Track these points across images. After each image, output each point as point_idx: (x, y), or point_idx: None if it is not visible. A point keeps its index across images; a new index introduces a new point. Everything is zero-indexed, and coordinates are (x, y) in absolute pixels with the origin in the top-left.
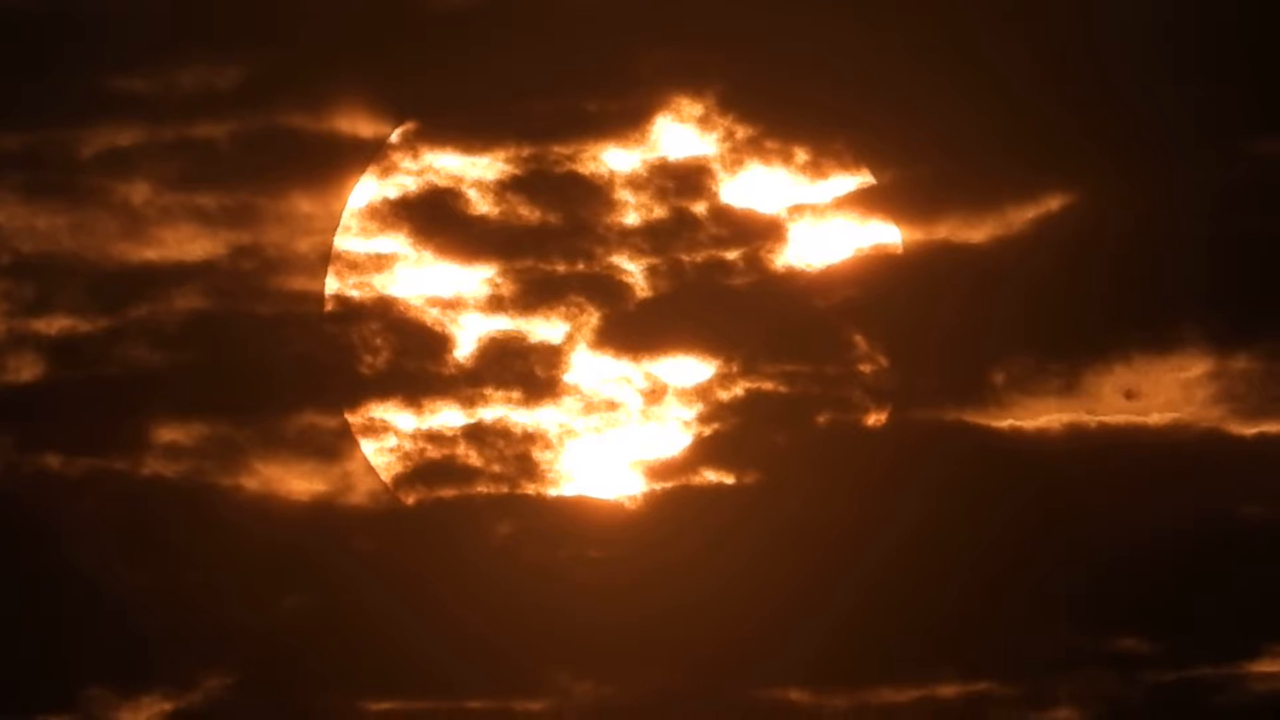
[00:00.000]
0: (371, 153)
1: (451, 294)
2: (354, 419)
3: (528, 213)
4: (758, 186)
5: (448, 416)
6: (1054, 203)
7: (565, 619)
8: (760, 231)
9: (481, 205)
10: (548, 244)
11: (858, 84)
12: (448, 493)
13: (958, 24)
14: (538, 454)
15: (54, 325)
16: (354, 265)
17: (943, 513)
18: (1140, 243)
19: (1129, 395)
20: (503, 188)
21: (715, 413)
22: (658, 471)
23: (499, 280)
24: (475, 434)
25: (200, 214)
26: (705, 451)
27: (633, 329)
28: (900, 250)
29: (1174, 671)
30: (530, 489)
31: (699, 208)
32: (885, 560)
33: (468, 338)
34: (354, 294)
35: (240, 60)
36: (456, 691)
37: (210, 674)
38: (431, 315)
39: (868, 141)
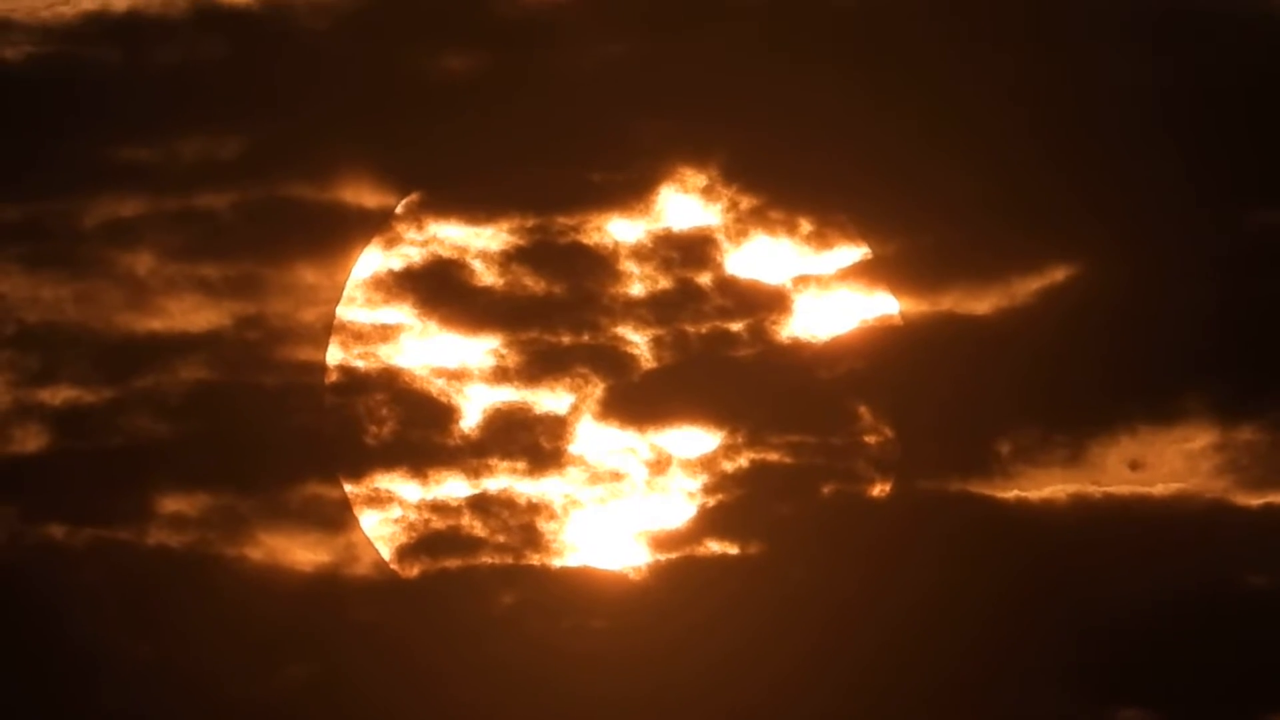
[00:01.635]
0: (376, 223)
1: (456, 365)
2: (358, 490)
3: (532, 283)
4: (762, 257)
5: (452, 487)
6: (1058, 274)
7: (568, 690)
8: (765, 302)
9: (486, 276)
10: (552, 315)
11: (862, 156)
12: (452, 563)
13: (960, 98)
14: (542, 524)
15: (58, 395)
16: (359, 336)
17: (947, 583)
18: (1144, 313)
19: (1134, 466)
20: (507, 258)
21: (720, 483)
22: (662, 542)
23: (504, 351)
24: (480, 504)
25: (204, 284)
26: (710, 522)
27: (638, 400)
28: (904, 321)
29: None
30: (535, 559)
31: (704, 278)
32: (890, 630)
33: (473, 408)
34: (359, 364)
35: (242, 130)
36: None
37: None
38: (436, 386)
39: (872, 213)
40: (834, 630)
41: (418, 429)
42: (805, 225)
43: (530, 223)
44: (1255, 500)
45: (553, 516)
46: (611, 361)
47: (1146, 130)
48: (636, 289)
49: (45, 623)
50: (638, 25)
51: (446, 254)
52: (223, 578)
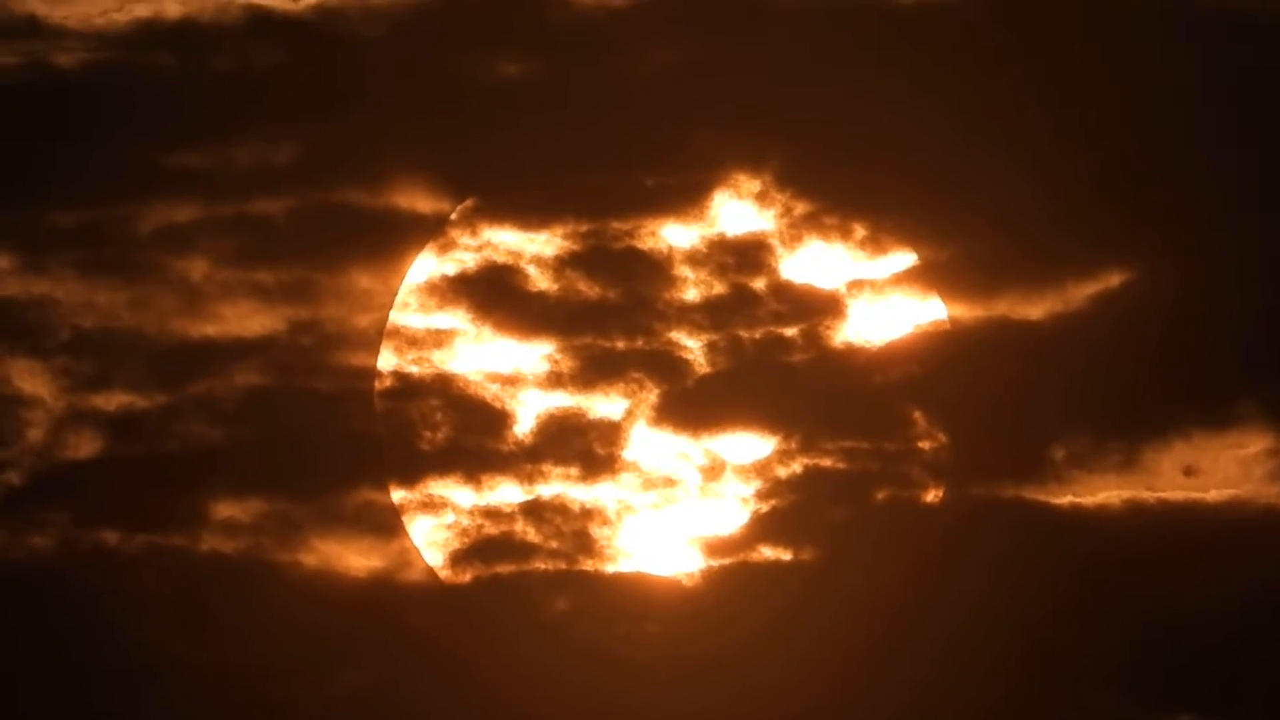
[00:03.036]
0: (430, 229)
1: (510, 370)
2: (412, 495)
3: (587, 288)
4: (816, 262)
5: (506, 493)
6: (1112, 279)
7: (622, 694)
8: (819, 307)
9: (540, 281)
10: (607, 320)
11: (915, 162)
12: (505, 569)
13: (1013, 104)
14: (596, 530)
15: (112, 401)
16: (413, 341)
17: (1001, 588)
18: (1199, 319)
19: (1188, 472)
20: (561, 264)
21: (774, 489)
22: (716, 548)
23: (558, 356)
24: (533, 510)
25: (258, 289)
26: (763, 528)
27: (692, 405)
28: (958, 327)
29: None
30: (588, 565)
31: (758, 283)
32: (944, 636)
33: (526, 414)
34: (413, 370)
35: (297, 136)
36: None
37: None
38: (490, 391)
39: (925, 219)
40: (888, 636)
41: (471, 434)
42: (859, 230)
43: (584, 228)
44: None
45: (606, 522)
46: (666, 366)
47: (1200, 134)
48: (691, 294)
49: (98, 629)
50: (692, 31)
51: (501, 259)
52: (275, 584)
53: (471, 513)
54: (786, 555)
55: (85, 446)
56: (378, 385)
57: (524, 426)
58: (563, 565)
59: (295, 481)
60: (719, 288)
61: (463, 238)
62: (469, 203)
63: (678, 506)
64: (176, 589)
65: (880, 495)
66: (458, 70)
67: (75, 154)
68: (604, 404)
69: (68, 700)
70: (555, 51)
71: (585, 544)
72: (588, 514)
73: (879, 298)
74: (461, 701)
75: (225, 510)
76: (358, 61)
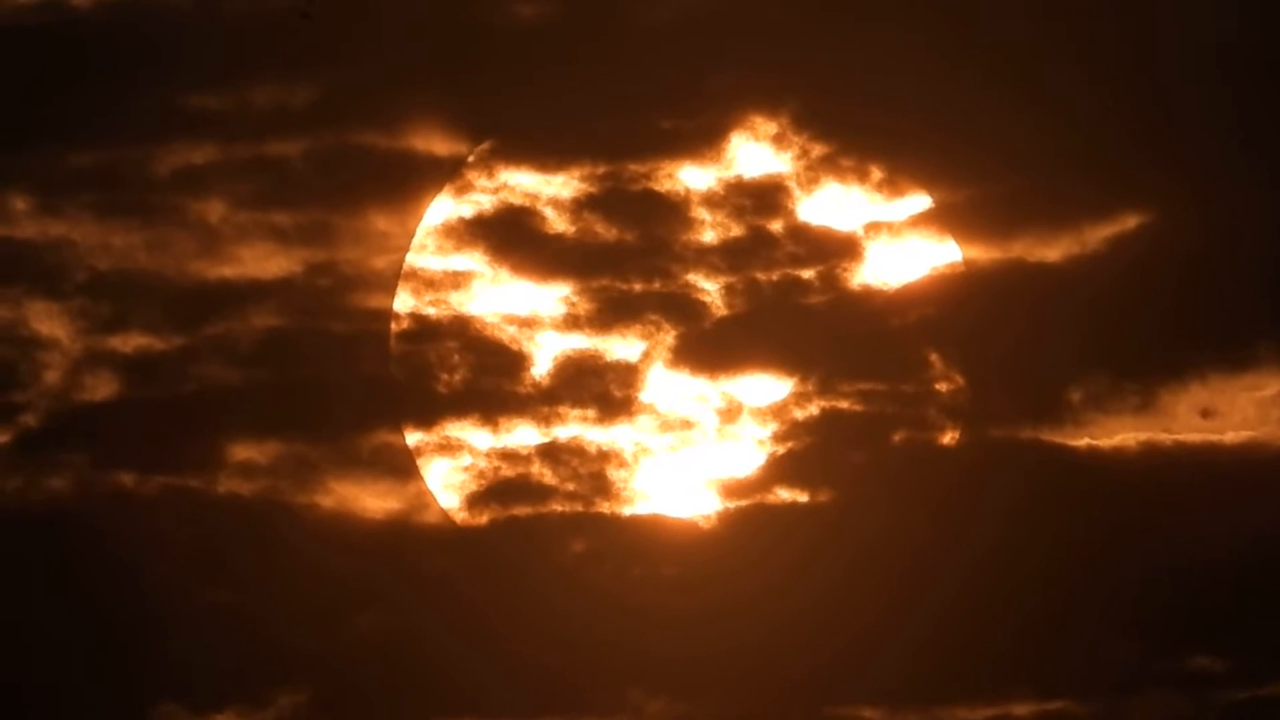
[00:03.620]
0: (447, 171)
1: (527, 312)
2: (429, 438)
3: (604, 231)
4: (833, 204)
5: (523, 435)
6: (1129, 221)
7: (638, 637)
8: (836, 249)
9: (558, 224)
10: (624, 262)
11: (932, 105)
12: (522, 511)
13: (1030, 47)
14: (612, 472)
15: (130, 343)
16: (430, 283)
17: (1018, 530)
18: (1216, 261)
19: (1205, 414)
20: (579, 206)
21: (790, 431)
22: (733, 490)
23: (575, 299)
24: (550, 452)
25: (275, 232)
26: (780, 470)
27: (709, 347)
28: (975, 269)
29: (1247, 690)
30: (605, 507)
31: (775, 225)
32: (960, 579)
33: (543, 356)
34: (430, 312)
35: (314, 79)
36: (528, 710)
37: (282, 693)
38: (507, 333)
39: (943, 160)
40: (905, 577)
41: (488, 376)
42: (876, 173)
43: (602, 170)
44: None
45: (623, 464)
46: (683, 309)
47: (1218, 79)
48: (708, 236)
49: (115, 571)
50: None
51: (518, 201)
52: (292, 526)
53: (488, 455)
54: (803, 497)
55: (102, 389)
56: (394, 327)
57: (541, 369)
58: (579, 508)
59: (312, 424)
60: (736, 230)
61: (480, 180)
62: (486, 145)
63: (695, 449)
64: (194, 531)
65: (897, 437)
66: (475, 13)
67: (92, 96)
68: (621, 346)
69: (84, 641)
70: None
71: (602, 486)
72: (605, 456)
73: (896, 240)
74: (477, 644)
75: (242, 452)
76: (375, 4)
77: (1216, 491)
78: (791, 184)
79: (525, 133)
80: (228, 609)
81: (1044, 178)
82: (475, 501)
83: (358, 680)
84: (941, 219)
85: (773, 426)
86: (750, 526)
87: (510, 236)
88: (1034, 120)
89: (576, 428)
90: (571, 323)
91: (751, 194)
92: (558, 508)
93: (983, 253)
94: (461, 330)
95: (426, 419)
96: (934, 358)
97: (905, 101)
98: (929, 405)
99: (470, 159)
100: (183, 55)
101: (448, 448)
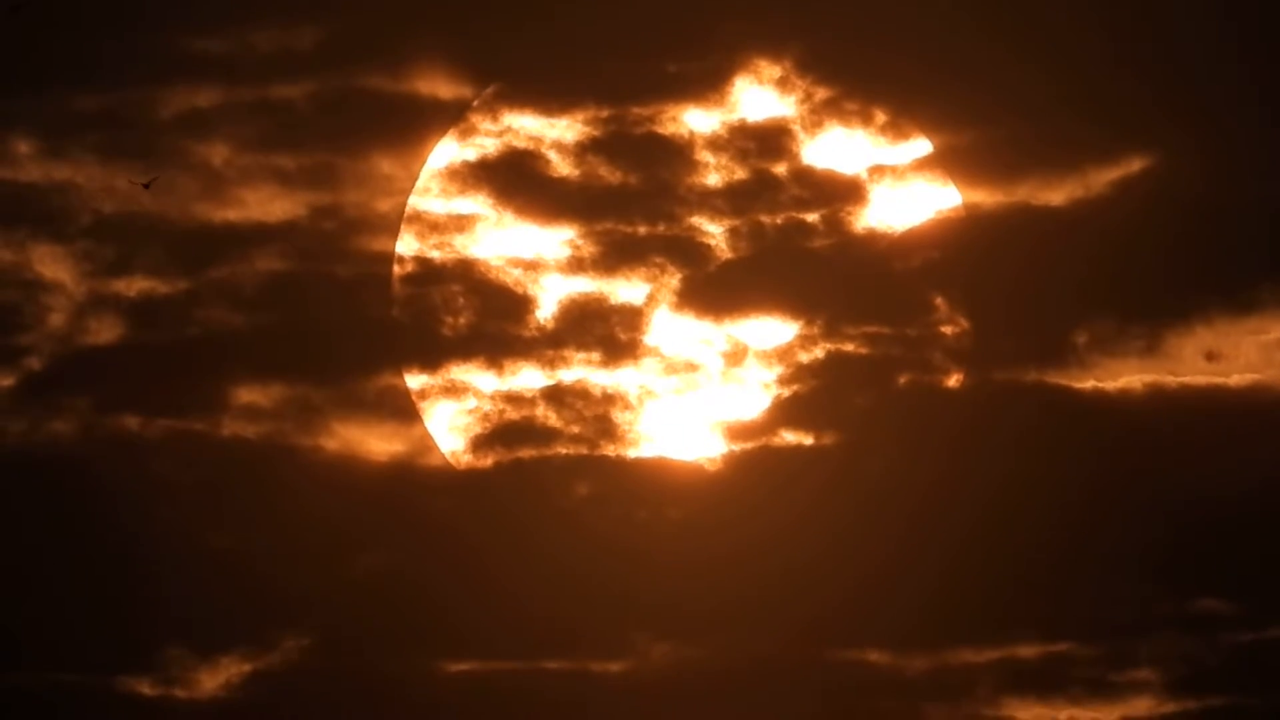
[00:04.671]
0: (451, 114)
1: (532, 255)
2: (433, 380)
3: (608, 174)
4: (837, 148)
5: (527, 378)
6: (1134, 165)
7: (643, 581)
8: (840, 193)
9: (562, 167)
10: (628, 205)
11: (936, 50)
12: (526, 454)
13: None
14: (617, 415)
15: (133, 286)
16: (434, 226)
17: (1024, 472)
18: (1221, 205)
19: (1210, 356)
20: (582, 149)
21: (796, 374)
22: (738, 433)
23: (579, 242)
24: (555, 395)
25: (279, 174)
26: (785, 413)
27: (714, 290)
28: (979, 213)
29: (1252, 632)
30: (609, 451)
31: (779, 169)
32: (965, 522)
33: (548, 299)
34: (434, 255)
35: (318, 21)
36: (533, 653)
37: (288, 635)
38: (512, 276)
39: (947, 107)
40: (911, 520)
41: (493, 319)
42: (880, 116)
43: (606, 113)
44: None
45: (628, 407)
46: (687, 252)
47: (1222, 22)
48: (712, 179)
49: (120, 513)
50: None
51: (522, 145)
52: (296, 469)
53: (493, 398)
54: (809, 440)
55: (106, 332)
56: (399, 270)
57: (545, 312)
58: (584, 450)
59: (316, 367)
60: (740, 173)
61: (484, 123)
62: (491, 89)
63: (700, 392)
64: (198, 474)
65: (902, 380)
66: None
67: (95, 40)
68: (626, 289)
69: (90, 585)
70: None
71: (607, 429)
72: (609, 399)
73: (900, 183)
74: (481, 587)
75: (246, 395)
76: None
77: (1222, 434)
78: (795, 127)
79: (529, 76)
80: (232, 552)
81: (1048, 122)
82: (480, 444)
83: (362, 623)
84: (946, 163)
85: (778, 369)
86: (756, 469)
87: (514, 180)
88: (1038, 64)
89: (581, 370)
90: (576, 266)
91: (756, 137)
92: (562, 450)
93: (987, 196)
94: (465, 273)
95: (431, 362)
96: (939, 301)
97: (909, 45)
98: (934, 348)
99: (475, 103)
100: None
101: (452, 390)
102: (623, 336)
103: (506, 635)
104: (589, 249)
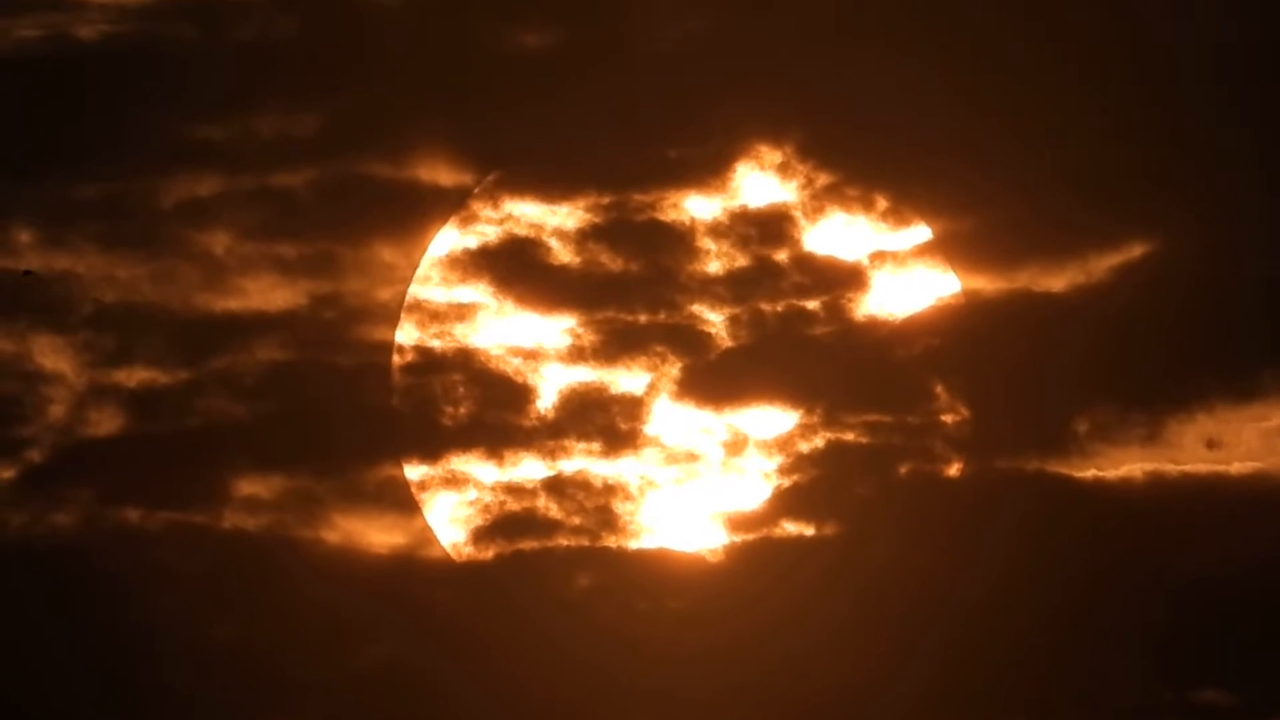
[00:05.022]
0: (452, 201)
1: (532, 344)
2: (434, 471)
3: (609, 261)
4: (838, 234)
5: (528, 468)
6: (1134, 250)
7: (644, 672)
8: (841, 280)
9: (562, 254)
10: (629, 293)
11: (936, 134)
12: (527, 545)
13: (1035, 79)
14: (618, 506)
15: (134, 377)
16: (435, 315)
17: (1025, 562)
18: (1221, 290)
19: (1211, 444)
20: (584, 236)
21: (796, 464)
22: (739, 523)
23: (580, 330)
24: (555, 486)
25: (280, 263)
26: (786, 503)
27: (714, 379)
28: (980, 299)
29: None
30: (610, 541)
31: (780, 255)
32: (966, 610)
33: (549, 388)
34: (435, 344)
35: (318, 108)
36: None
37: None
38: (512, 365)
39: (947, 191)
40: (912, 610)
41: (493, 409)
42: (882, 202)
43: (607, 200)
44: None
45: (629, 498)
46: (688, 340)
47: (1221, 105)
48: (713, 266)
49: (122, 605)
50: (714, 3)
51: (522, 232)
52: (298, 560)
53: (494, 489)
54: (809, 530)
55: (107, 423)
56: (399, 360)
57: (546, 401)
58: (585, 541)
59: (317, 457)
60: (741, 260)
61: (485, 210)
62: (492, 176)
63: (700, 481)
64: (199, 566)
65: (903, 469)
66: (479, 41)
67: (97, 127)
68: (626, 378)
69: (92, 677)
70: (577, 22)
71: (608, 520)
72: (610, 489)
73: (901, 270)
74: (482, 679)
75: (247, 487)
76: (379, 32)
77: (1223, 522)
78: (797, 213)
79: (530, 163)
80: (234, 643)
81: (1048, 207)
82: (481, 535)
83: (364, 713)
84: (947, 249)
85: (778, 459)
86: (757, 560)
87: (515, 268)
88: (1038, 150)
89: (582, 461)
90: (577, 355)
91: (757, 223)
92: (563, 541)
93: (988, 283)
94: (466, 362)
95: (431, 453)
96: (939, 389)
97: (908, 130)
98: (935, 437)
99: (476, 190)
100: (187, 85)
101: (453, 481)
102: (623, 426)
103: None
104: (589, 338)
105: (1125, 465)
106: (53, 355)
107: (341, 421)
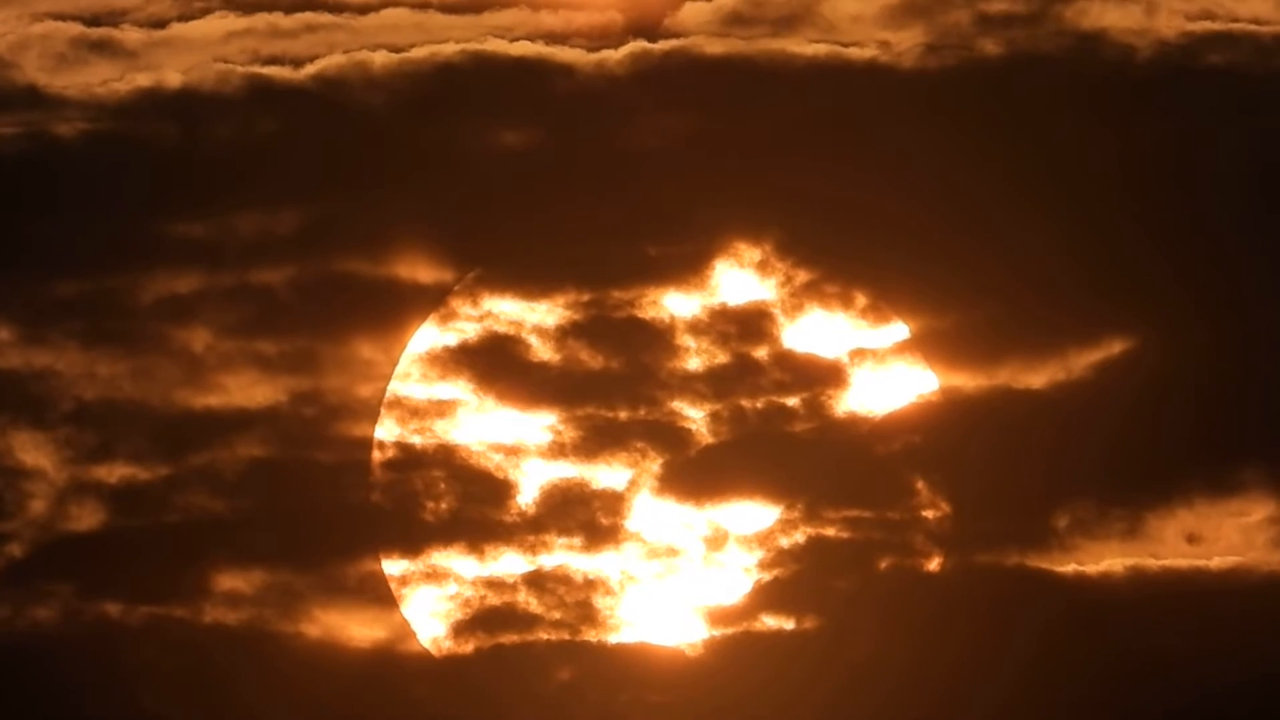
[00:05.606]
0: (432, 299)
1: (513, 440)
2: (414, 566)
3: (589, 358)
4: (818, 331)
5: (509, 563)
6: (1114, 347)
7: None
8: (821, 377)
9: (543, 351)
10: (609, 390)
11: (914, 233)
12: (508, 639)
13: (1013, 173)
14: (599, 600)
15: (114, 473)
16: (415, 411)
17: (1005, 658)
18: (1201, 386)
19: (1191, 540)
20: (563, 334)
21: (777, 559)
22: (719, 617)
23: (560, 426)
24: (536, 581)
25: (260, 360)
26: (767, 597)
27: (695, 475)
28: (960, 396)
29: None
30: (591, 636)
31: (760, 353)
32: (947, 705)
33: (529, 484)
34: (415, 440)
35: (298, 206)
36: None
37: None
38: (493, 461)
39: (926, 289)
40: (892, 704)
41: (474, 505)
42: (861, 299)
43: (586, 297)
44: None
45: (609, 592)
46: (668, 436)
47: (1199, 204)
48: (693, 363)
49: (102, 699)
50: (692, 103)
51: (502, 329)
52: (279, 655)
53: (474, 583)
54: (790, 624)
55: (87, 518)
56: (379, 456)
57: (527, 497)
58: (566, 636)
59: (298, 552)
60: (721, 357)
61: (464, 308)
62: (472, 274)
63: (681, 576)
64: (180, 660)
65: (883, 564)
66: (459, 139)
67: (76, 224)
68: (607, 474)
69: None
70: (557, 122)
71: (588, 614)
72: (591, 584)
73: (881, 367)
74: None
75: (228, 581)
76: (358, 130)
77: (1204, 617)
78: (776, 310)
79: (510, 260)
80: None
81: (1027, 305)
82: (461, 630)
83: None
84: (927, 346)
85: (759, 554)
86: (737, 654)
87: (495, 364)
88: (1017, 247)
89: (562, 556)
90: (557, 451)
91: (736, 320)
92: (544, 636)
93: (968, 379)
94: (447, 458)
95: (412, 548)
96: (919, 484)
97: (887, 228)
98: (915, 532)
99: (455, 287)
100: (167, 183)
101: (433, 576)
102: (604, 521)
103: None
104: (570, 434)
105: (1106, 560)
106: (33, 451)
107: (322, 517)
